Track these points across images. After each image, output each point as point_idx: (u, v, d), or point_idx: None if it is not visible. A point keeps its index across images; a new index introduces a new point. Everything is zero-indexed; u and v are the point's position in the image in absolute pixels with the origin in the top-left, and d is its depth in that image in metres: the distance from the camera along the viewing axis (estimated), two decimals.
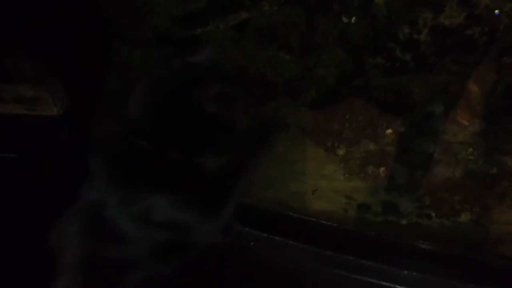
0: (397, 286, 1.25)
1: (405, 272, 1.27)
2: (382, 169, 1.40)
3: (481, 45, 1.25)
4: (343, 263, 1.30)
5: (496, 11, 1.18)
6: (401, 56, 1.31)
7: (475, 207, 1.32)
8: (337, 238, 1.35)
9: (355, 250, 1.31)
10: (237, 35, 1.48)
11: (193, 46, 1.08)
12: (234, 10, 1.45)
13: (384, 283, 1.26)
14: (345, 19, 1.37)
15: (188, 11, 1.49)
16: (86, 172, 1.00)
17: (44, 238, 1.00)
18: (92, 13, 1.56)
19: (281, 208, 1.40)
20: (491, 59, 1.33)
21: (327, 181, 1.46)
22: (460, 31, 1.22)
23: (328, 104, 1.51)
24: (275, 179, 1.48)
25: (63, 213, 1.02)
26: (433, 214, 1.35)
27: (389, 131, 1.41)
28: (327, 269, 1.30)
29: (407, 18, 1.25)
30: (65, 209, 1.02)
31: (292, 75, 1.53)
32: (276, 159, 1.51)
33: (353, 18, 1.40)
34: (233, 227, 1.29)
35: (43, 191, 1.47)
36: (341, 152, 1.48)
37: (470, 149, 1.36)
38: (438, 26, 1.23)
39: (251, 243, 1.30)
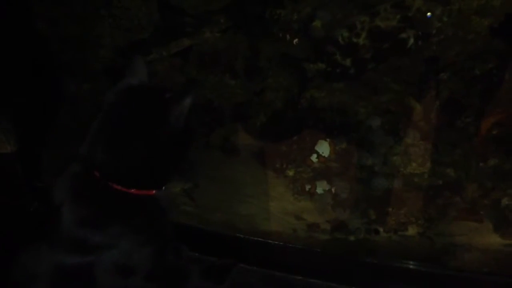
0: None
1: None
2: (328, 186, 1.41)
3: (415, 49, 1.29)
4: (292, 282, 1.27)
5: (428, 14, 1.23)
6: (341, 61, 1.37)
7: (420, 219, 1.33)
8: (285, 257, 1.33)
9: (303, 269, 1.29)
10: (181, 62, 1.51)
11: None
12: (176, 37, 1.48)
13: None
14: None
15: (132, 41, 1.52)
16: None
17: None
18: (38, 49, 1.57)
19: (229, 231, 1.38)
20: (430, 77, 1.38)
21: (277, 202, 1.46)
22: (395, 34, 1.26)
23: (278, 129, 1.54)
24: (223, 202, 1.48)
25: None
26: (381, 229, 1.35)
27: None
28: None
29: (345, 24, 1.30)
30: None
31: (239, 100, 1.55)
32: (225, 183, 1.51)
33: (295, 40, 1.45)
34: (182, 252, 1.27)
35: None
36: (290, 173, 1.49)
37: (414, 164, 1.38)
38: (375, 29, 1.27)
39: None
